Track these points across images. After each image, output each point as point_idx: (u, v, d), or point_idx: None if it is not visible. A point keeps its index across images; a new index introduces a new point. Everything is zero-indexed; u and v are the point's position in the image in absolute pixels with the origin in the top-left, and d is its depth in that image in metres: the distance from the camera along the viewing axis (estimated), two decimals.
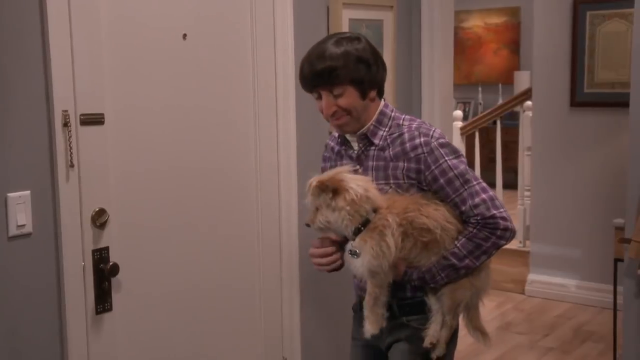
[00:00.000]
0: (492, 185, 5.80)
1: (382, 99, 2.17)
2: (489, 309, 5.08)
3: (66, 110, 2.11)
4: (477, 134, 5.69)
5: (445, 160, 2.05)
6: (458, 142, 5.34)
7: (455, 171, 2.05)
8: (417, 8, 3.40)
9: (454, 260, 2.06)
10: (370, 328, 2.07)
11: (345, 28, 2.97)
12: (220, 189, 2.61)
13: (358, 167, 2.14)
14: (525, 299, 5.28)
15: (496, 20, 9.60)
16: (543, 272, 5.28)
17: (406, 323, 2.17)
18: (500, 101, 7.67)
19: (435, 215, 2.03)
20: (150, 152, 2.37)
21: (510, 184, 6.43)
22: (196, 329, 2.56)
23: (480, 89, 9.54)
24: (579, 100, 5.02)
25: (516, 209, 5.63)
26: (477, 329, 2.26)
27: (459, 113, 5.62)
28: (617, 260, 3.51)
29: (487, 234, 2.05)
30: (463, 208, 2.05)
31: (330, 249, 2.13)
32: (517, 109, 5.98)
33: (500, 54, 9.60)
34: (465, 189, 2.05)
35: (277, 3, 2.73)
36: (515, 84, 8.41)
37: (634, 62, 3.02)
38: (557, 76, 5.09)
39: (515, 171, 5.87)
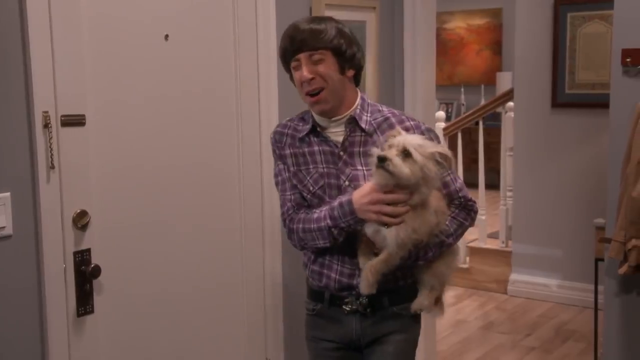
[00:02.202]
0: (475, 185, 5.82)
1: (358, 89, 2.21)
2: (472, 309, 5.11)
3: (47, 111, 2.09)
4: (459, 135, 5.71)
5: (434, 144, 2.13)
6: (441, 143, 5.36)
7: None
8: (399, 9, 3.41)
9: (444, 237, 2.15)
10: (367, 289, 2.06)
11: None
12: (203, 190, 2.60)
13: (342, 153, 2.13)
14: (507, 298, 5.31)
15: (478, 21, 9.66)
16: (525, 272, 5.31)
17: (397, 312, 2.19)
18: (483, 102, 7.71)
19: (441, 199, 2.12)
20: (131, 153, 2.36)
21: (493, 185, 6.47)
22: (179, 330, 2.55)
23: (462, 89, 9.60)
24: (560, 101, 5.07)
25: (498, 210, 5.65)
26: (439, 301, 2.31)
27: (441, 114, 5.63)
28: (598, 260, 3.54)
29: (466, 214, 2.21)
30: (445, 191, 2.14)
31: (404, 197, 1.98)
32: (499, 109, 6.01)
33: (483, 55, 9.66)
34: (449, 173, 2.15)
35: (260, 4, 2.72)
36: (498, 84, 8.47)
37: (613, 63, 3.05)
38: (539, 77, 5.12)
39: (497, 172, 5.90)
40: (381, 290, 2.10)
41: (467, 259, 5.60)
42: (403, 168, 1.93)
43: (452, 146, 5.68)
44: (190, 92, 2.53)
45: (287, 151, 2.20)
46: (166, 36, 2.43)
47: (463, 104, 9.55)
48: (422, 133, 2.11)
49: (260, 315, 2.83)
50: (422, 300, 2.21)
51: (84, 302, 2.22)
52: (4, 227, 2.05)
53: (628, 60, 2.97)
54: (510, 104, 5.56)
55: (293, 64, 2.10)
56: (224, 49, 2.64)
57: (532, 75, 5.17)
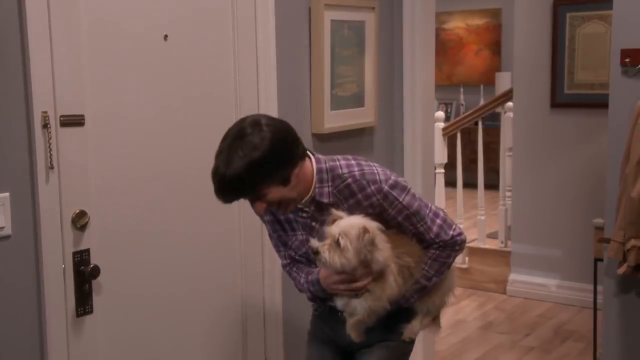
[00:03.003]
0: (474, 186, 5.83)
1: (311, 155, 2.12)
2: (471, 309, 5.11)
3: (46, 112, 2.09)
4: (458, 135, 5.71)
5: (400, 202, 2.10)
6: (440, 143, 5.36)
7: (409, 210, 2.12)
8: (398, 9, 3.41)
9: (424, 282, 2.20)
10: (356, 338, 2.19)
11: (327, 29, 2.97)
12: (202, 191, 2.59)
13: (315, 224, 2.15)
14: (506, 298, 5.31)
15: (477, 21, 9.66)
16: (524, 272, 5.31)
17: (389, 323, 2.22)
18: (482, 102, 7.71)
19: (412, 250, 2.16)
20: (131, 153, 2.36)
21: (492, 185, 6.47)
22: (178, 330, 2.55)
23: (461, 90, 9.60)
24: (559, 101, 5.06)
25: (497, 210, 5.65)
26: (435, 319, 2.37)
27: (440, 114, 5.63)
28: (597, 260, 3.54)
29: (449, 252, 2.20)
30: (422, 238, 2.16)
31: (358, 274, 2.08)
32: (499, 109, 6.01)
33: (482, 55, 9.66)
34: (421, 225, 2.14)
35: (259, 4, 2.72)
36: (497, 85, 8.45)
37: (612, 63, 3.05)
38: (538, 77, 5.12)
39: (496, 172, 5.90)
40: None
41: (466, 259, 5.60)
42: (334, 260, 2.01)
43: (452, 146, 5.69)
44: (190, 92, 2.53)
45: (267, 218, 2.24)
46: (165, 36, 2.43)
47: (462, 104, 9.55)
48: (384, 196, 2.08)
49: (259, 315, 2.83)
50: (413, 327, 2.27)
51: (83, 303, 2.22)
52: (3, 228, 2.04)
53: (627, 60, 2.97)
54: (510, 104, 5.56)
55: None
56: (223, 50, 2.64)
57: (531, 75, 5.17)
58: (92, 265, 2.22)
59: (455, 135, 5.70)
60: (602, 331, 3.25)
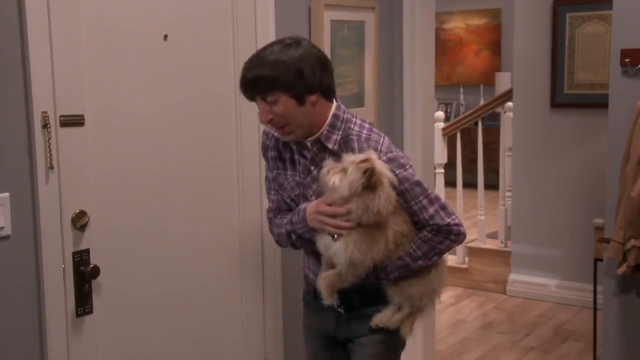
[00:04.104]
0: (474, 186, 5.83)
1: (335, 100, 2.16)
2: (471, 309, 5.11)
3: (45, 112, 2.09)
4: (458, 135, 5.71)
5: (395, 175, 2.08)
6: (440, 143, 5.36)
7: (405, 185, 2.10)
8: (398, 9, 3.41)
9: (408, 260, 2.14)
10: (326, 298, 2.14)
11: (326, 29, 2.98)
12: (201, 191, 2.60)
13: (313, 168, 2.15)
14: (506, 298, 5.31)
15: (477, 21, 9.66)
16: (524, 272, 5.31)
17: (369, 314, 2.22)
18: (482, 102, 7.71)
19: (404, 223, 2.12)
20: (131, 153, 2.36)
21: (492, 185, 6.47)
22: (177, 331, 2.55)
23: (461, 90, 9.60)
24: (559, 101, 5.07)
25: (497, 210, 5.66)
26: (410, 322, 2.28)
27: (440, 114, 5.63)
28: (597, 260, 3.54)
29: (442, 238, 2.14)
30: (416, 219, 2.13)
31: (341, 210, 2.03)
32: (498, 109, 6.01)
33: (482, 55, 9.66)
34: (415, 203, 2.12)
35: (259, 4, 2.72)
36: (497, 85, 8.46)
37: (612, 63, 3.05)
38: (538, 77, 5.13)
39: (496, 172, 5.90)
40: (351, 290, 2.15)
41: (466, 259, 5.60)
42: (337, 182, 1.99)
43: (451, 146, 5.69)
44: (190, 92, 2.53)
45: (270, 154, 2.25)
46: (165, 36, 2.43)
47: (462, 104, 9.55)
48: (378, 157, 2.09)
49: (259, 315, 2.83)
50: (382, 316, 2.21)
51: (83, 303, 2.22)
52: (2, 228, 2.04)
53: (627, 60, 2.97)
54: (509, 104, 5.56)
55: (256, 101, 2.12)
56: (223, 49, 2.63)
57: (531, 75, 5.17)
58: (92, 265, 2.22)
59: (455, 135, 5.71)
60: (602, 331, 3.25)
